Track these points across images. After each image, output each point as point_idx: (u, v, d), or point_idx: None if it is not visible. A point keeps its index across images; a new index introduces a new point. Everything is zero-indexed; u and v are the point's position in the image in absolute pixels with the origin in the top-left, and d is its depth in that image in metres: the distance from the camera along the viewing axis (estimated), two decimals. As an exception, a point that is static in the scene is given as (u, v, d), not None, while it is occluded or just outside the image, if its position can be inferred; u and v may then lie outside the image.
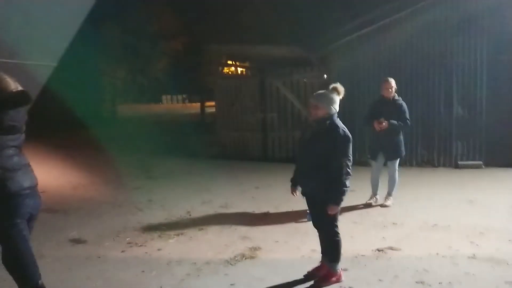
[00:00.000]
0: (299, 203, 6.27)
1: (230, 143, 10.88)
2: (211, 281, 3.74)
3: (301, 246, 4.53)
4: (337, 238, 3.59)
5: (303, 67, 10.03)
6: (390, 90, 5.84)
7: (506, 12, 8.40)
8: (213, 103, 13.33)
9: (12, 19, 2.76)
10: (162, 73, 23.04)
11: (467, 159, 8.78)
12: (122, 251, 4.46)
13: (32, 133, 4.11)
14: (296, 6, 8.82)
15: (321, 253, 3.78)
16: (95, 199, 6.72)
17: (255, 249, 4.44)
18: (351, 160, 3.45)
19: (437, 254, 4.21)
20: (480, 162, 8.65)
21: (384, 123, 5.70)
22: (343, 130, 3.47)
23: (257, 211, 5.89)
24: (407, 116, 5.89)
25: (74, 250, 4.54)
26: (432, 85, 8.82)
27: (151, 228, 5.17)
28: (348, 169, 3.41)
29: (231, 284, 3.64)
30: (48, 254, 4.38)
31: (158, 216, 5.70)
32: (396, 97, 5.94)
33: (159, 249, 4.48)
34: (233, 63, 12.97)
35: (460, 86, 8.74)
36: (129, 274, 3.88)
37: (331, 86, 3.61)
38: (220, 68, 12.36)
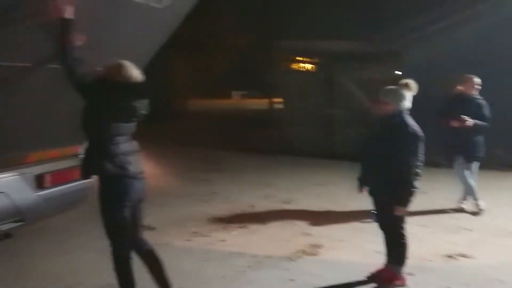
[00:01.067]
0: (364, 202, 6.09)
1: (296, 138, 10.85)
2: (271, 274, 3.77)
3: (365, 246, 4.41)
4: (403, 241, 3.46)
5: (373, 63, 9.72)
6: (471, 87, 5.48)
7: None
8: (279, 99, 13.33)
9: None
10: (231, 69, 23.48)
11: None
12: (187, 240, 4.64)
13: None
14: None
15: (385, 255, 3.66)
16: (164, 189, 7.03)
17: (316, 246, 4.41)
18: (421, 160, 3.29)
19: (513, 263, 3.91)
20: None
21: (467, 122, 5.31)
22: (413, 127, 3.32)
23: (320, 208, 5.83)
24: (487, 115, 5.48)
25: (143, 236, 4.78)
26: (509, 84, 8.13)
27: (215, 220, 5.31)
28: (417, 170, 3.26)
29: (291, 280, 3.65)
30: (120, 238, 4.66)
31: (222, 208, 5.85)
32: (477, 96, 5.56)
33: (222, 240, 4.59)
34: (301, 58, 12.88)
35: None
36: (192, 263, 4.03)
37: (402, 81, 3.47)
38: (288, 64, 12.34)
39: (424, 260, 3.99)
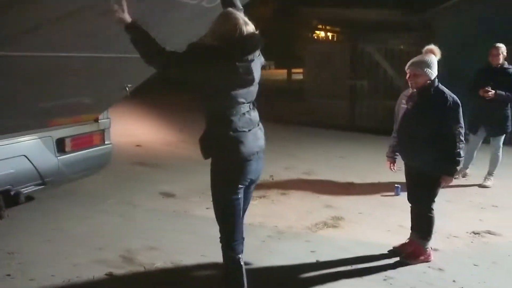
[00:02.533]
0: (385, 175, 5.99)
1: (317, 110, 10.66)
2: (291, 245, 3.73)
3: (387, 220, 4.33)
4: (431, 215, 3.37)
5: (401, 33, 9.36)
6: (498, 57, 5.21)
7: None
8: (300, 70, 13.08)
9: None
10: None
11: None
12: (207, 208, 4.60)
13: (135, 91, 4.34)
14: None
15: (411, 229, 3.57)
16: (185, 156, 7.02)
17: (337, 218, 4.34)
18: (463, 127, 3.19)
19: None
20: None
21: (490, 92, 5.11)
22: (451, 96, 3.19)
23: (341, 180, 5.74)
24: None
25: (163, 202, 4.80)
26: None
27: (235, 189, 5.27)
28: (461, 137, 3.16)
29: (312, 251, 3.60)
30: (140, 204, 4.68)
31: (242, 177, 5.80)
32: (506, 65, 5.29)
33: (242, 209, 4.56)
34: (324, 27, 12.52)
35: None
36: (213, 231, 3.98)
37: (425, 48, 3.32)
38: (311, 33, 12.02)
39: (450, 237, 3.89)
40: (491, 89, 5.12)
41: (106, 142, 4.04)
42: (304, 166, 6.39)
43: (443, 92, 3.20)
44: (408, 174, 3.49)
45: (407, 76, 3.26)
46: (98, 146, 3.91)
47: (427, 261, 3.38)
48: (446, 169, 3.20)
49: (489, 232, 4.00)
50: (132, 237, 3.81)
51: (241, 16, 2.38)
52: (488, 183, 5.46)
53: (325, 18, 11.10)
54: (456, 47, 7.61)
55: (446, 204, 4.71)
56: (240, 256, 2.60)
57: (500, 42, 5.36)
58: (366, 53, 9.77)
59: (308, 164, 6.52)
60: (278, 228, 4.07)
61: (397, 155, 3.57)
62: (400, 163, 3.60)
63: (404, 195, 5.06)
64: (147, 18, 2.66)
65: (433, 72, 3.22)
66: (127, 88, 3.64)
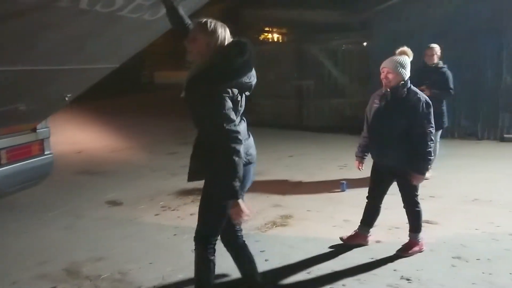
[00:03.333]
0: (331, 172, 6.20)
1: (265, 110, 10.78)
2: (241, 246, 3.75)
3: (334, 215, 4.47)
4: (418, 208, 3.53)
5: (343, 33, 9.67)
6: (433, 57, 5.52)
7: None
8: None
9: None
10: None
11: (514, 132, 8.31)
12: (156, 214, 4.56)
13: (78, 98, 4.19)
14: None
15: (361, 222, 3.72)
16: (132, 163, 6.88)
17: (286, 217, 4.42)
18: (434, 126, 3.34)
19: (477, 229, 4.04)
20: (528, 135, 8.16)
21: (426, 91, 5.40)
22: (423, 97, 3.34)
23: (290, 180, 5.85)
24: (451, 85, 5.57)
25: (110, 211, 4.68)
26: (480, 52, 8.28)
27: (184, 193, 5.24)
28: (432, 137, 3.31)
29: (261, 251, 3.64)
30: (86, 214, 4.54)
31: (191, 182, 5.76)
32: (440, 64, 5.62)
33: (191, 214, 4.53)
34: (270, 29, 12.68)
35: (510, 54, 8.17)
36: (163, 237, 3.97)
37: (399, 50, 3.45)
38: (257, 35, 12.13)
39: (392, 228, 4.07)
40: (426, 87, 5.41)
41: (46, 152, 3.89)
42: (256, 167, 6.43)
43: (416, 93, 3.34)
44: (377, 171, 3.60)
45: (382, 75, 3.36)
46: (37, 157, 3.76)
47: (421, 251, 3.54)
48: (417, 168, 3.33)
49: (427, 222, 4.19)
50: (77, 249, 3.69)
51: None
52: (426, 175, 5.75)
53: (269, 19, 11.24)
54: (391, 47, 7.93)
55: (388, 196, 4.92)
56: (214, 256, 2.59)
57: (433, 43, 5.68)
58: (311, 54, 10.01)
59: (257, 164, 6.52)
60: (228, 230, 4.09)
61: (366, 155, 3.68)
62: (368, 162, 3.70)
63: (349, 191, 5.28)
64: (88, 29, 2.62)
65: (407, 73, 3.34)
66: (66, 98, 3.53)
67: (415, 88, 3.40)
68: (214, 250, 2.59)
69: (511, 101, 8.24)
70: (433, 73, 5.54)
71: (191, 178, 2.54)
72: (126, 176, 6.08)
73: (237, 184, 2.22)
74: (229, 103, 2.25)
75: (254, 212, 4.53)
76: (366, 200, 3.72)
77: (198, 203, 4.74)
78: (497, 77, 8.29)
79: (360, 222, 3.74)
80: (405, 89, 3.33)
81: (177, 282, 3.14)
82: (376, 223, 4.21)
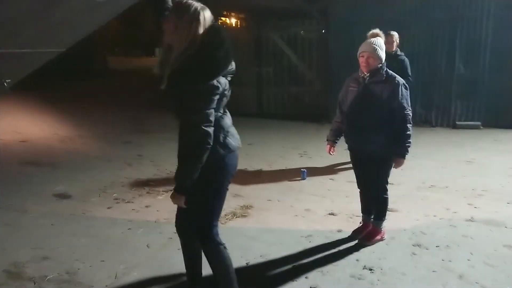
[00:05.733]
0: (293, 161, 6.13)
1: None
2: (200, 240, 3.59)
3: (295, 205, 4.39)
4: (386, 196, 3.48)
5: (302, 20, 9.58)
6: (393, 44, 5.53)
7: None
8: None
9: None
10: (155, 25, 22.24)
11: (466, 120, 8.59)
12: (109, 208, 4.29)
13: (19, 83, 3.84)
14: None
15: (362, 212, 3.67)
16: (83, 152, 6.50)
17: (247, 207, 4.29)
18: (411, 109, 3.29)
19: (435, 216, 4.08)
20: (479, 123, 8.47)
21: None
22: (401, 80, 3.27)
23: (250, 169, 5.72)
24: (409, 72, 5.60)
25: (58, 205, 4.37)
26: (434, 41, 8.47)
27: (139, 184, 4.99)
28: (411, 120, 3.26)
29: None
30: (32, 209, 4.21)
31: (147, 171, 5.52)
32: (399, 52, 5.63)
33: (147, 206, 4.31)
34: (228, 14, 12.39)
35: (463, 43, 8.40)
36: (115, 232, 3.73)
37: (371, 32, 3.37)
38: (217, 20, 11.82)
39: (353, 217, 4.04)
40: None
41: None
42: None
43: (394, 76, 3.27)
44: (356, 159, 3.51)
45: (361, 59, 3.26)
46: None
47: (383, 239, 3.51)
48: (398, 151, 3.26)
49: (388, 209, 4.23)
50: (20, 247, 3.39)
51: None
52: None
53: (228, 4, 10.96)
54: (349, 35, 7.99)
55: (348, 184, 4.92)
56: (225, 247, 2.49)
57: (393, 29, 5.67)
58: (270, 40, 9.86)
59: (216, 153, 6.39)
60: (186, 223, 3.91)
61: (338, 139, 3.59)
62: (339, 147, 3.60)
63: (309, 179, 5.23)
64: (26, 10, 2.38)
65: (383, 55, 3.28)
66: (5, 84, 3.22)
67: (391, 71, 3.34)
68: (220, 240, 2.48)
69: (464, 89, 8.50)
70: (392, 61, 5.53)
71: None
72: (76, 167, 5.72)
73: (188, 183, 2.19)
74: (213, 102, 2.17)
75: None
76: (358, 190, 3.65)
77: (154, 194, 4.62)
78: (450, 65, 8.50)
79: (362, 212, 3.68)
80: (383, 72, 3.27)
81: (132, 281, 2.94)
82: (336, 211, 4.21)
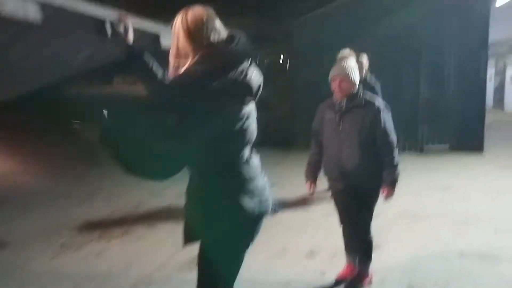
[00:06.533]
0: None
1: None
2: (163, 292, 3.05)
3: (268, 244, 3.90)
4: (371, 237, 3.06)
5: (265, 44, 9.35)
6: (361, 70, 5.29)
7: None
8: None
9: None
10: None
11: (433, 143, 8.52)
12: (53, 258, 3.65)
13: None
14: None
15: (345, 251, 3.20)
16: (26, 190, 5.78)
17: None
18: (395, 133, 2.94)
19: (423, 249, 3.73)
20: (446, 146, 8.42)
21: None
22: (380, 102, 2.91)
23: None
24: (379, 96, 5.37)
25: (-10, 256, 3.68)
26: (398, 65, 8.42)
27: (90, 226, 4.37)
28: (396, 144, 2.90)
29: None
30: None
31: (101, 210, 4.91)
32: (368, 76, 5.41)
33: (98, 253, 3.70)
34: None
35: (427, 66, 8.43)
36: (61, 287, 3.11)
37: (341, 53, 3.08)
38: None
39: (336, 254, 3.61)
40: None
41: None
42: (174, 189, 5.70)
43: (373, 100, 2.91)
44: (338, 194, 3.08)
45: (334, 84, 2.89)
46: None
47: (371, 282, 3.09)
48: (387, 179, 2.89)
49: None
50: None
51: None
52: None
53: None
54: (314, 57, 7.84)
55: (326, 217, 4.51)
56: None
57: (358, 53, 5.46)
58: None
59: (178, 186, 5.84)
60: (146, 272, 3.34)
61: (318, 174, 3.16)
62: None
63: (282, 212, 4.78)
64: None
65: (358, 78, 2.93)
66: None
67: (368, 93, 3.00)
68: None
69: (429, 112, 8.46)
70: (363, 86, 5.30)
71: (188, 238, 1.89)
72: (16, 207, 5.01)
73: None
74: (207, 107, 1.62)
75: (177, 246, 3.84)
76: (340, 225, 3.20)
77: (107, 238, 4.02)
78: (416, 89, 8.47)
79: (345, 252, 3.22)
80: (361, 97, 2.92)
81: None
82: (316, 249, 3.78)
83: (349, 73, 2.87)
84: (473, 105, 8.26)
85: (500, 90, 17.78)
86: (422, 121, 8.50)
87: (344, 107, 2.91)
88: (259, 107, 1.88)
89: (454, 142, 8.39)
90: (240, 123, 1.70)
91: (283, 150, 8.61)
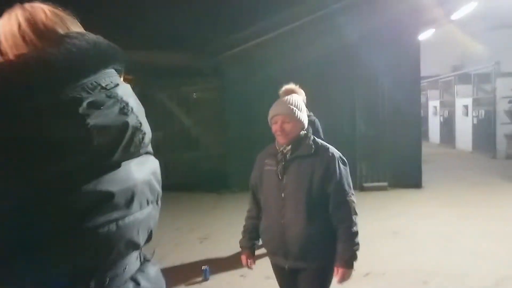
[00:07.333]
0: (191, 250, 4.78)
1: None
2: None
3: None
4: None
5: (194, 78, 8.67)
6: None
7: (403, 24, 8.08)
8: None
9: None
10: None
11: (372, 181, 8.18)
12: None
13: None
14: (187, 5, 7.42)
15: None
16: None
17: None
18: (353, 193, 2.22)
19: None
20: (385, 184, 8.10)
21: None
22: (336, 152, 2.24)
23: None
24: (321, 135, 4.82)
25: None
26: (334, 100, 8.07)
27: None
28: (355, 208, 2.16)
29: None
30: None
31: None
32: (307, 112, 4.85)
33: None
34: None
35: (362, 102, 8.17)
36: None
37: (284, 88, 2.38)
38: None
39: None
40: None
41: None
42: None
43: (327, 148, 2.22)
44: (280, 274, 2.33)
45: (275, 127, 2.20)
46: None
47: None
48: (342, 258, 2.12)
49: None
50: None
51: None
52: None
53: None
54: (245, 93, 7.32)
55: (266, 283, 3.75)
56: None
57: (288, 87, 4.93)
58: (158, 100, 8.72)
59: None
60: None
61: (256, 243, 2.40)
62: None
63: (214, 278, 3.95)
64: None
65: (305, 118, 2.25)
66: None
67: (320, 139, 2.32)
68: None
69: (367, 150, 8.15)
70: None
71: None
72: None
73: None
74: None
75: None
76: None
77: None
78: (352, 125, 8.17)
79: None
80: (310, 142, 2.23)
81: None
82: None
83: (293, 111, 2.19)
84: (409, 141, 8.08)
85: (424, 122, 18.50)
86: (360, 158, 8.16)
87: (288, 156, 2.21)
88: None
89: (392, 179, 8.11)
90: None
91: (217, 193, 7.87)
